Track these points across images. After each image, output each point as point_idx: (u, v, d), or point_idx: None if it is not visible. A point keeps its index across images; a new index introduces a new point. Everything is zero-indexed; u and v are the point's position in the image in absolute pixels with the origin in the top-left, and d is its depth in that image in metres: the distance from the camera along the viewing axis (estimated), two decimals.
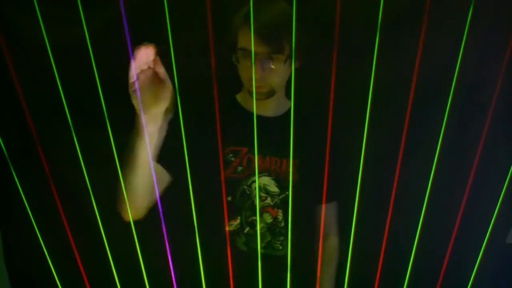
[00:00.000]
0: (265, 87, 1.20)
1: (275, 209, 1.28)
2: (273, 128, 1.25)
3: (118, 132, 1.60)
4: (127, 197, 1.10)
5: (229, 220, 1.28)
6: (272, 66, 1.16)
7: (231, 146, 1.26)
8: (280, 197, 1.28)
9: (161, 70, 0.97)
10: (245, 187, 1.27)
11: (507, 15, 1.44)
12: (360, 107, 1.29)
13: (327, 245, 1.39)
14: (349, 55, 1.29)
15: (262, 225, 1.28)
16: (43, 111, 1.47)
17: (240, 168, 1.26)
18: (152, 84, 0.98)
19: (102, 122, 1.52)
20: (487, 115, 1.13)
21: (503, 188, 1.09)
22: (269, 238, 1.29)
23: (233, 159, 1.26)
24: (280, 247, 1.29)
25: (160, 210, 1.10)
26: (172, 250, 1.08)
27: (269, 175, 1.28)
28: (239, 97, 1.33)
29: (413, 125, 1.13)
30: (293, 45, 1.14)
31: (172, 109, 1.04)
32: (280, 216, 1.28)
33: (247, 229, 1.28)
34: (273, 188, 1.28)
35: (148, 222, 1.21)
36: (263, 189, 1.28)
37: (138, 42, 1.00)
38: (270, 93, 1.22)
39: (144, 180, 1.11)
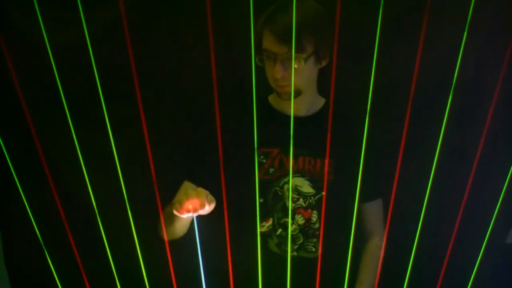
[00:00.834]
0: (289, 87, 1.19)
1: (308, 210, 1.27)
2: (305, 127, 1.24)
3: (118, 132, 1.60)
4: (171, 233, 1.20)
5: (261, 221, 1.27)
6: (296, 66, 1.16)
7: (262, 148, 1.25)
8: (316, 197, 1.27)
9: (213, 206, 1.05)
10: (277, 188, 1.26)
11: (507, 15, 1.44)
12: (396, 104, 1.28)
13: (373, 244, 1.36)
14: (387, 53, 1.29)
15: (295, 227, 1.27)
16: (43, 111, 1.47)
17: (272, 170, 1.26)
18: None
19: (102, 122, 1.52)
20: (487, 115, 1.13)
21: (503, 188, 1.09)
22: (301, 240, 1.27)
23: (264, 160, 1.26)
24: (313, 249, 1.28)
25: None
26: (204, 251, 1.08)
27: (302, 176, 1.27)
28: (270, 98, 1.33)
29: (411, 126, 1.13)
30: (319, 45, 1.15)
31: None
32: (314, 217, 1.27)
33: (280, 230, 1.27)
34: (307, 188, 1.27)
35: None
36: (295, 190, 1.27)
37: (138, 42, 1.00)
38: (296, 93, 1.21)
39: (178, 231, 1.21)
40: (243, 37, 1.31)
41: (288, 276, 1.10)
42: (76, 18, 1.48)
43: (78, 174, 1.13)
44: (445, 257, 1.14)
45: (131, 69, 1.00)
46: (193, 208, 1.01)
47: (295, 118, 1.25)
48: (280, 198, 1.26)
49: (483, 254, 1.13)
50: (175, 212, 1.05)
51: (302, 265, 1.24)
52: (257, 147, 1.24)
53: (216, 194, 1.11)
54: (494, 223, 1.13)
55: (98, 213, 1.09)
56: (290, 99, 1.20)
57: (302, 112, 1.29)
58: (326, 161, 1.24)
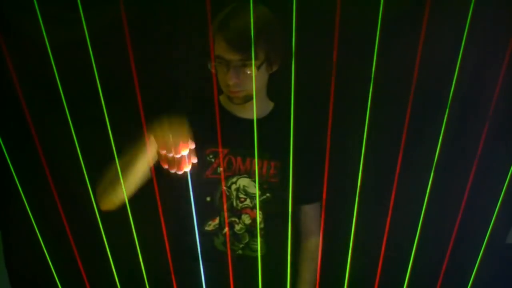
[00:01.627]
0: (241, 93, 1.20)
1: (254, 211, 1.29)
2: (254, 130, 1.26)
3: (118, 132, 1.60)
4: (110, 189, 1.15)
5: (208, 220, 1.28)
6: (248, 72, 1.17)
7: (212, 147, 1.27)
8: (261, 198, 1.29)
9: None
10: (224, 188, 1.27)
11: (507, 15, 1.44)
12: (351, 108, 1.29)
13: (311, 244, 1.40)
14: (342, 55, 1.30)
15: (241, 226, 1.29)
16: (43, 111, 1.47)
17: (220, 169, 1.27)
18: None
19: (102, 122, 1.53)
20: (487, 115, 1.13)
21: (503, 188, 1.09)
22: (247, 239, 1.30)
23: (213, 160, 1.27)
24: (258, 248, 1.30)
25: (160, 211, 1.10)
26: (146, 249, 1.09)
27: (249, 177, 1.28)
28: (221, 98, 1.34)
29: (411, 126, 1.13)
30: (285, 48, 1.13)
31: None
32: (259, 218, 1.29)
33: (225, 229, 1.29)
34: (253, 189, 1.28)
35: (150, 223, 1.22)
36: (242, 190, 1.28)
37: (138, 42, 1.00)
38: (247, 98, 1.23)
39: (133, 180, 1.16)
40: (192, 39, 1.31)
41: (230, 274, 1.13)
42: (76, 18, 1.48)
43: (78, 174, 1.13)
44: (445, 257, 1.14)
45: (131, 69, 1.00)
46: (175, 144, 0.98)
47: (245, 120, 1.29)
48: (227, 198, 1.28)
49: (483, 254, 1.13)
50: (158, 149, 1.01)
51: (248, 264, 1.26)
52: (206, 147, 1.26)
53: (163, 192, 1.12)
54: (494, 223, 1.13)
55: (98, 213, 1.09)
56: (241, 103, 1.23)
57: (252, 115, 1.30)
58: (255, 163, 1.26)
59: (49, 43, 1.00)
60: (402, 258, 1.16)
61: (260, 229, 1.30)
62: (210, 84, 1.22)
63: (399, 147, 1.11)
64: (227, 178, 1.28)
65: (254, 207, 1.29)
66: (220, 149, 1.27)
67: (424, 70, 1.15)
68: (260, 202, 1.29)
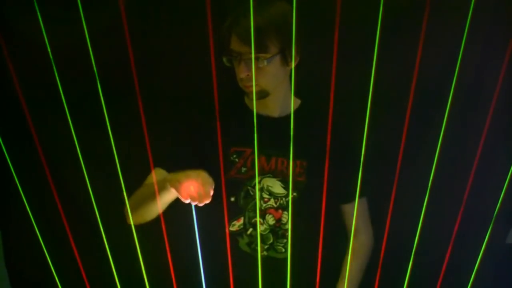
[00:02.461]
0: (255, 87, 1.19)
1: (279, 211, 1.27)
2: (278, 128, 1.25)
3: (118, 132, 1.60)
4: (134, 217, 1.18)
5: (232, 220, 1.27)
6: (260, 66, 1.17)
7: (235, 147, 1.26)
8: (287, 198, 1.27)
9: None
10: (248, 188, 1.27)
11: (507, 15, 1.44)
12: (366, 106, 1.29)
13: (353, 243, 1.36)
14: (358, 54, 1.29)
15: (265, 226, 1.28)
16: (43, 111, 1.47)
17: (244, 169, 1.26)
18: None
19: (102, 122, 1.52)
20: (487, 115, 1.13)
21: (503, 188, 1.09)
22: (271, 240, 1.28)
23: (237, 160, 1.26)
24: (283, 250, 1.29)
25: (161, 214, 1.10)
26: (174, 250, 1.08)
27: (274, 176, 1.27)
28: (246, 98, 1.33)
29: (412, 125, 1.13)
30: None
31: None
32: (285, 218, 1.28)
33: (250, 230, 1.28)
34: (278, 189, 1.27)
35: (150, 223, 1.21)
36: (266, 190, 1.27)
37: (138, 42, 1.00)
38: (263, 93, 1.22)
39: (152, 213, 1.19)
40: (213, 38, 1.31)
41: (259, 275, 1.10)
42: (76, 18, 1.48)
43: (78, 174, 1.13)
44: (445, 257, 1.14)
45: (131, 69, 1.00)
46: (196, 193, 0.98)
47: (269, 118, 1.28)
48: (252, 198, 1.27)
49: (483, 254, 1.12)
50: (175, 192, 1.02)
51: (272, 265, 1.25)
52: (230, 146, 1.25)
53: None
54: (494, 223, 1.13)
55: (98, 213, 1.09)
56: (257, 99, 1.22)
57: (275, 113, 1.29)
58: (289, 162, 1.25)
59: (49, 43, 1.00)
60: (402, 258, 1.16)
61: (286, 230, 1.28)
62: (233, 84, 1.22)
63: (399, 147, 1.11)
64: (251, 177, 1.27)
65: (278, 207, 1.27)
66: (240, 149, 1.26)
67: (427, 70, 1.15)
68: (287, 202, 1.27)
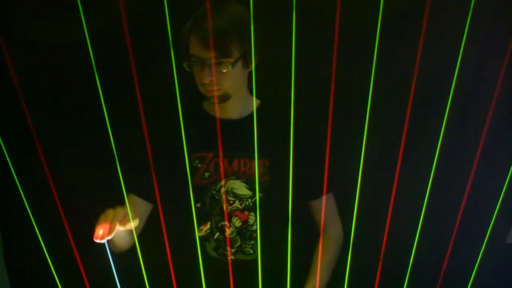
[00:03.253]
0: (218, 91, 1.20)
1: (245, 212, 1.27)
2: (239, 130, 1.25)
3: (118, 132, 1.59)
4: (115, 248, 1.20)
5: (199, 225, 1.28)
6: (223, 71, 1.17)
7: (197, 153, 1.26)
8: (252, 199, 1.28)
9: (129, 226, 1.05)
10: (213, 192, 1.27)
11: (507, 15, 1.44)
12: (351, 105, 1.29)
13: (323, 238, 1.38)
14: (315, 51, 1.29)
15: (232, 229, 1.28)
16: (43, 111, 1.47)
17: (207, 174, 1.27)
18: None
19: (102, 122, 1.52)
20: (487, 115, 1.13)
21: (503, 188, 1.09)
22: (239, 243, 1.28)
23: (199, 165, 1.26)
24: (251, 251, 1.29)
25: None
26: (144, 256, 1.08)
27: (237, 178, 1.27)
28: (205, 104, 1.34)
29: (411, 126, 1.13)
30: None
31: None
32: (251, 219, 1.28)
33: (217, 234, 1.28)
34: (243, 190, 1.27)
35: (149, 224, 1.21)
36: (231, 192, 1.27)
37: (138, 42, 1.00)
38: (225, 97, 1.22)
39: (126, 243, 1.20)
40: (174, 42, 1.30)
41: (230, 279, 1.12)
42: (76, 18, 1.48)
43: (78, 174, 1.13)
44: (445, 257, 1.14)
45: (131, 69, 1.00)
46: (102, 234, 0.99)
47: (228, 121, 1.28)
48: (217, 202, 1.27)
49: (483, 254, 1.12)
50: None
51: (241, 268, 1.25)
52: (192, 152, 1.25)
53: (154, 201, 1.16)
54: (494, 223, 1.13)
55: (98, 213, 1.09)
56: (219, 103, 1.22)
57: (235, 115, 1.29)
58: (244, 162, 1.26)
59: (49, 43, 1.00)
60: (402, 258, 1.16)
61: (253, 231, 1.28)
62: (193, 90, 1.22)
63: (399, 147, 1.11)
64: (215, 181, 1.27)
65: (244, 209, 1.27)
66: (202, 154, 1.27)
67: (425, 70, 1.15)
68: (252, 203, 1.28)
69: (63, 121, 1.43)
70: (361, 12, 1.40)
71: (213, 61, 1.14)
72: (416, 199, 1.14)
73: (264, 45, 1.21)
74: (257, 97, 1.34)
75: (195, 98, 1.30)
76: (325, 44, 1.18)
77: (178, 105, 1.15)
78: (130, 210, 1.03)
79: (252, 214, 1.27)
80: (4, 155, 1.10)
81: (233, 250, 1.28)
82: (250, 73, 1.25)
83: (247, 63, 1.20)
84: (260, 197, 1.27)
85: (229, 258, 1.27)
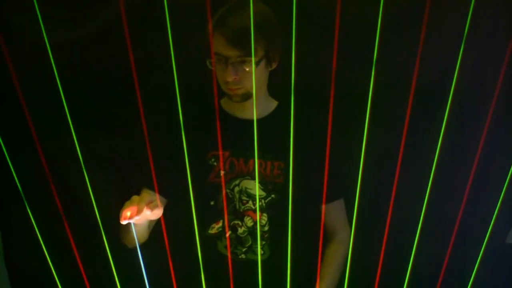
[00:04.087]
0: (240, 90, 1.20)
1: (258, 213, 1.27)
2: (256, 130, 1.25)
3: (118, 132, 1.60)
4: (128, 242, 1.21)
5: (211, 223, 1.28)
6: (246, 69, 1.17)
7: (213, 151, 1.26)
8: (266, 200, 1.28)
9: (157, 212, 1.06)
10: (227, 190, 1.27)
11: (507, 16, 1.44)
12: (353, 108, 1.29)
13: (332, 241, 1.38)
14: (344, 56, 1.29)
15: (244, 229, 1.28)
16: (43, 111, 1.47)
17: (222, 172, 1.27)
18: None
19: (102, 122, 1.53)
20: (487, 115, 1.13)
21: (503, 188, 1.09)
22: (250, 242, 1.28)
23: (215, 163, 1.26)
24: (262, 252, 1.29)
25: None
26: (146, 249, 1.09)
27: (252, 178, 1.27)
28: (223, 102, 1.34)
29: (411, 125, 1.13)
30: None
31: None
32: (264, 220, 1.28)
33: (229, 232, 1.28)
34: (258, 191, 1.27)
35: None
36: (245, 192, 1.27)
37: (138, 42, 1.00)
38: (246, 95, 1.22)
39: (141, 238, 1.21)
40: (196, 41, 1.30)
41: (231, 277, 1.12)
42: (76, 18, 1.48)
43: (78, 174, 1.13)
44: (445, 257, 1.14)
45: (131, 69, 1.00)
46: (130, 215, 1.00)
47: (246, 121, 1.28)
48: (231, 201, 1.27)
49: (483, 254, 1.13)
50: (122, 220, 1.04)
51: (251, 268, 1.24)
52: (208, 150, 1.26)
53: (170, 197, 1.17)
54: (494, 223, 1.13)
55: (98, 213, 1.09)
56: (240, 101, 1.23)
57: (253, 115, 1.28)
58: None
59: (49, 43, 1.00)
60: (402, 258, 1.16)
61: (264, 232, 1.29)
62: (211, 88, 1.22)
63: (398, 147, 1.11)
64: (230, 180, 1.27)
65: (257, 209, 1.28)
66: (221, 152, 1.26)
67: (425, 69, 1.15)
68: (265, 203, 1.28)
69: (64, 120, 1.43)
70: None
71: (237, 59, 1.15)
72: (417, 199, 1.14)
73: (286, 45, 1.22)
74: (276, 98, 1.34)
75: (213, 96, 1.30)
76: (347, 49, 1.17)
77: (196, 102, 1.16)
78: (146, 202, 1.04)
79: (265, 214, 1.27)
80: (4, 155, 1.10)
81: (244, 249, 1.28)
82: (270, 73, 1.26)
83: (269, 62, 1.21)
84: (273, 198, 1.27)
85: (240, 257, 1.28)
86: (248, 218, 1.28)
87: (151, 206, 1.04)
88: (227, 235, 1.28)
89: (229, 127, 1.24)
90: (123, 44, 0.97)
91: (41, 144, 1.20)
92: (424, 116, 1.44)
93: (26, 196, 1.12)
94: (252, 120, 1.28)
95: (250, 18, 1.13)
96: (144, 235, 1.22)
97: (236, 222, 1.28)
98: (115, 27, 1.08)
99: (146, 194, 1.06)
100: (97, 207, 1.08)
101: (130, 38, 0.96)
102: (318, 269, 1.31)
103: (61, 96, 1.04)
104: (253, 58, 1.14)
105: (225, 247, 1.28)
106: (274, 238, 1.28)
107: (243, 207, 1.27)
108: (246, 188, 1.27)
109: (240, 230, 1.28)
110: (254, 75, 1.18)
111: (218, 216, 1.28)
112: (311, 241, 1.28)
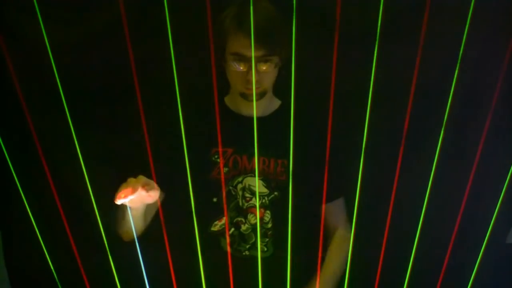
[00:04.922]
0: (258, 89, 1.20)
1: (261, 210, 1.28)
2: (260, 128, 1.25)
3: (118, 131, 1.60)
4: (124, 232, 1.20)
5: (214, 220, 1.28)
6: (268, 68, 1.18)
7: (216, 148, 1.26)
8: (269, 197, 1.28)
9: (153, 194, 1.05)
10: (230, 187, 1.27)
11: (507, 16, 1.44)
12: (356, 107, 1.29)
13: (334, 237, 1.38)
14: (346, 55, 1.29)
15: (247, 226, 1.28)
16: (43, 111, 1.47)
17: (225, 169, 1.27)
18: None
19: (102, 121, 1.53)
20: (487, 115, 1.13)
21: (503, 188, 1.09)
22: (253, 239, 1.28)
23: (218, 160, 1.27)
24: (265, 249, 1.29)
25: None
26: (147, 248, 1.09)
27: (255, 175, 1.27)
28: (227, 99, 1.34)
29: (411, 125, 1.13)
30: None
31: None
32: (267, 217, 1.28)
33: (232, 229, 1.28)
34: (260, 188, 1.28)
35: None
36: (248, 189, 1.28)
37: (138, 42, 1.00)
38: (263, 94, 1.24)
39: (137, 226, 1.18)
40: (203, 39, 1.30)
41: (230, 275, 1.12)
42: (76, 18, 1.48)
43: (78, 174, 1.13)
44: (445, 257, 1.14)
45: (131, 70, 1.00)
46: (125, 195, 1.00)
47: (249, 118, 1.26)
48: (234, 198, 1.27)
49: (483, 254, 1.13)
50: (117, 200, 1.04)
51: (255, 264, 1.23)
52: (212, 147, 1.26)
53: (171, 192, 1.17)
54: (494, 223, 1.13)
55: (98, 212, 1.09)
56: (258, 100, 1.22)
57: (259, 113, 1.28)
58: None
59: (49, 43, 1.00)
60: (402, 258, 1.16)
61: (268, 229, 1.29)
62: (214, 84, 1.22)
63: (398, 147, 1.11)
64: (233, 177, 1.27)
65: (260, 206, 1.28)
66: (221, 149, 1.27)
67: (425, 70, 1.15)
68: (269, 201, 1.28)
69: (64, 120, 1.43)
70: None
71: (261, 59, 1.16)
72: (417, 198, 1.14)
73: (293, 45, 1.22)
74: (279, 97, 1.34)
75: (217, 93, 1.30)
76: (349, 48, 1.17)
77: (199, 99, 1.16)
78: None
79: (268, 212, 1.28)
80: (4, 155, 1.10)
81: (247, 246, 1.28)
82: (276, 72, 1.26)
83: (281, 61, 1.21)
84: (276, 196, 1.27)
85: (244, 254, 1.28)
86: (252, 215, 1.28)
87: (147, 188, 1.04)
88: (231, 231, 1.28)
89: (233, 125, 1.24)
90: (124, 43, 0.97)
91: (41, 144, 1.20)
92: (424, 116, 1.44)
93: (26, 196, 1.12)
94: (257, 118, 1.29)
95: (268, 17, 1.13)
96: (140, 224, 1.21)
97: (239, 219, 1.28)
98: (116, 26, 1.08)
99: (142, 177, 1.06)
100: (97, 207, 1.09)
101: (131, 36, 0.96)
102: (318, 271, 1.31)
103: (61, 96, 1.04)
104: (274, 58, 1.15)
105: (228, 243, 1.28)
106: (278, 235, 1.28)
107: (246, 204, 1.27)
108: (249, 185, 1.28)
109: (244, 227, 1.28)
110: (272, 74, 1.20)
111: (221, 213, 1.27)
112: (314, 238, 1.27)
